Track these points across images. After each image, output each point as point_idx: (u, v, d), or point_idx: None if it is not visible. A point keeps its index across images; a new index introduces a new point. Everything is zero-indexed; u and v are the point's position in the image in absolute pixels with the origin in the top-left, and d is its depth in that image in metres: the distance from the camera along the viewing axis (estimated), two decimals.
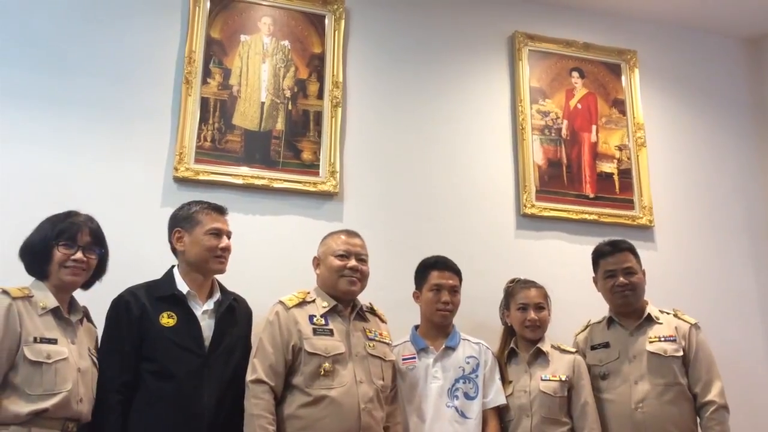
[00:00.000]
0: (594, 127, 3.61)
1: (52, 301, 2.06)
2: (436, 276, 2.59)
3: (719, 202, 3.69)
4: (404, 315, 2.63)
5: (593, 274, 2.76)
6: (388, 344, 2.44)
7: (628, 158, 3.60)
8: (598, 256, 2.74)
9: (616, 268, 2.65)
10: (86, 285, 2.20)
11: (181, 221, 2.36)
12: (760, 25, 3.95)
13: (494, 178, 3.39)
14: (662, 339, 2.56)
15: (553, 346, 2.62)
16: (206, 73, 3.09)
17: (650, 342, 2.56)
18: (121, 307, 2.21)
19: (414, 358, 2.53)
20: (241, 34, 3.20)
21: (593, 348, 2.69)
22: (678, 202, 3.62)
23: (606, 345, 2.65)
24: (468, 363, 2.52)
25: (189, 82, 3.04)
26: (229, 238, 2.37)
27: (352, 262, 2.37)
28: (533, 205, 3.35)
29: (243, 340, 2.34)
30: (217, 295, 2.34)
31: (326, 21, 3.33)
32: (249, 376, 2.19)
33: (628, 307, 2.64)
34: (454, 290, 2.58)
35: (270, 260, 2.88)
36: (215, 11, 3.18)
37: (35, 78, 2.89)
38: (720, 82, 3.93)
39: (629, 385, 2.53)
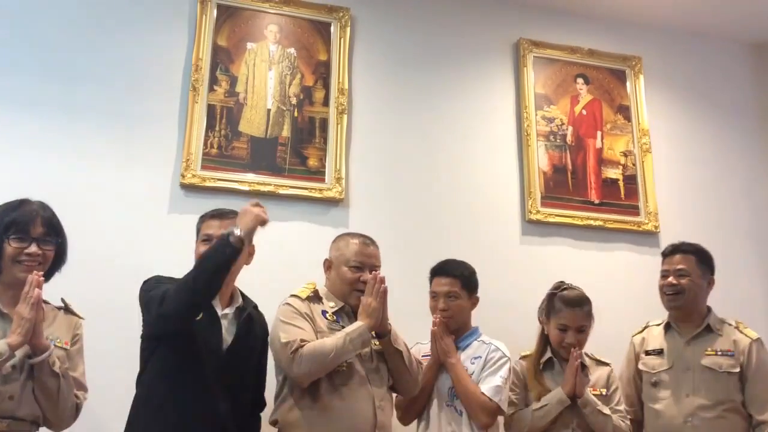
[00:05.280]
0: (599, 133, 3.61)
1: None
2: (434, 283, 2.57)
3: (725, 207, 3.69)
4: (410, 321, 2.61)
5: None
6: None
7: (633, 164, 3.60)
8: (662, 256, 2.68)
9: (669, 268, 2.59)
10: (45, 277, 2.01)
11: (196, 234, 2.33)
12: (765, 31, 3.94)
13: (499, 184, 3.39)
14: (719, 353, 2.47)
15: (587, 356, 2.55)
16: (213, 81, 3.11)
17: (706, 355, 2.47)
18: (154, 278, 2.16)
19: (430, 356, 2.53)
20: (248, 42, 3.22)
21: (647, 353, 2.61)
22: (683, 208, 3.62)
23: (660, 352, 2.57)
24: (473, 364, 2.47)
25: (196, 90, 3.06)
26: None
27: (366, 276, 2.30)
28: (538, 211, 3.36)
29: (258, 352, 2.28)
30: (239, 302, 2.28)
31: (332, 28, 3.35)
32: (288, 351, 2.10)
33: (676, 311, 2.58)
34: (450, 296, 2.51)
35: (276, 266, 2.88)
36: (222, 19, 3.21)
37: (43, 85, 2.92)
38: (725, 88, 3.93)
39: (680, 397, 2.45)
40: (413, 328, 2.63)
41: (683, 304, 2.56)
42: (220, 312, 2.21)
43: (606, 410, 2.40)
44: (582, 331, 2.51)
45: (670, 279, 2.57)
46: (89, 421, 2.21)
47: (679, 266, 2.57)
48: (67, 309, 2.16)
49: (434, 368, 2.48)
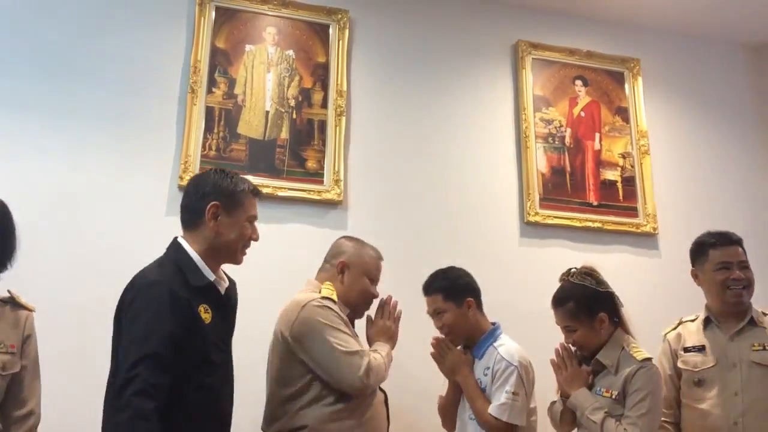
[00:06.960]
0: (597, 135, 3.62)
1: None
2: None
3: (723, 209, 3.69)
4: (408, 325, 2.59)
5: (692, 267, 2.48)
6: None
7: (632, 166, 3.60)
8: (704, 246, 2.44)
9: (732, 260, 2.37)
10: None
11: (224, 195, 1.95)
12: (762, 33, 3.95)
13: (498, 186, 3.40)
14: (767, 347, 2.29)
15: (625, 350, 2.21)
16: (211, 83, 3.11)
17: (754, 350, 2.29)
18: (165, 295, 1.76)
19: None
20: (246, 44, 3.22)
21: (686, 350, 2.40)
22: (682, 210, 3.62)
23: (701, 349, 2.37)
24: (486, 375, 2.31)
25: (194, 92, 3.06)
26: None
27: (377, 292, 2.38)
28: (537, 213, 3.36)
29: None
30: (226, 282, 2.01)
31: (330, 31, 3.35)
32: (362, 362, 2.11)
33: (740, 306, 2.37)
34: (438, 313, 2.37)
35: (274, 268, 2.89)
36: (220, 21, 3.21)
37: (41, 87, 2.93)
38: (723, 90, 3.94)
39: (728, 396, 2.26)
40: (411, 332, 2.62)
41: (749, 298, 2.38)
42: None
43: (595, 416, 2.11)
44: (571, 330, 2.25)
45: (738, 272, 2.36)
46: (89, 423, 2.20)
47: (742, 258, 2.39)
48: (14, 303, 2.00)
49: (453, 382, 2.40)
